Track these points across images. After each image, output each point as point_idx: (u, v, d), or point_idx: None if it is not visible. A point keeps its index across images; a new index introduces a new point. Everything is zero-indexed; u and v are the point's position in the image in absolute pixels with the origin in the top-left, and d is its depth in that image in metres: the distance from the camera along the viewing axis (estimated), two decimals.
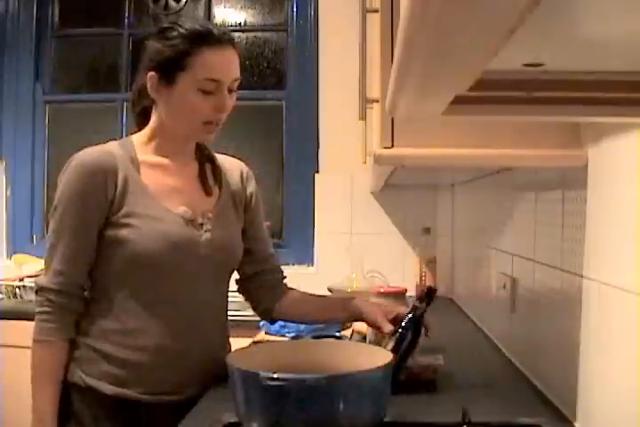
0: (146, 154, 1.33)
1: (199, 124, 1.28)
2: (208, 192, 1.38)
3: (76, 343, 1.30)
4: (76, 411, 1.29)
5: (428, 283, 2.69)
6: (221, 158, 1.46)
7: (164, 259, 1.27)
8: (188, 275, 1.32)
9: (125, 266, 1.27)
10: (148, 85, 1.27)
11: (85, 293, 1.32)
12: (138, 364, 1.28)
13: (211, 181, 1.40)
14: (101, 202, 1.26)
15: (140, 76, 1.31)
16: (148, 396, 1.28)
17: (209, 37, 1.24)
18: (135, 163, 1.30)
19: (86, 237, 1.27)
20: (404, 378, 1.24)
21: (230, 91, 1.29)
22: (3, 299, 2.58)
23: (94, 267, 1.30)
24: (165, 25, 1.29)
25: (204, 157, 1.41)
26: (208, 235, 1.33)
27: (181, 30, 1.24)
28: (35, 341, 1.27)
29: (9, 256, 3.05)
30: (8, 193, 3.12)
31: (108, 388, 1.27)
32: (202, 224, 1.34)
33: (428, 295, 1.27)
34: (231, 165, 1.47)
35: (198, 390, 1.30)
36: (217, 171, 1.42)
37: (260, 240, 1.49)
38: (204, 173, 1.39)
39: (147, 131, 1.35)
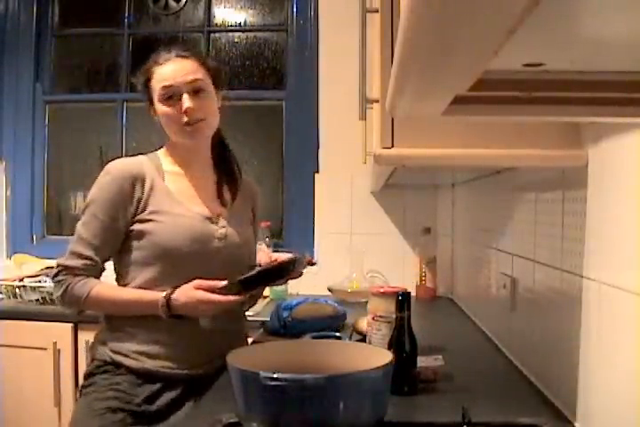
0: (168, 165, 1.55)
1: (180, 127, 1.48)
2: (223, 202, 1.58)
3: (104, 325, 1.50)
4: (95, 381, 1.45)
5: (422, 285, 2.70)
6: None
7: (183, 249, 1.45)
8: (205, 265, 1.47)
9: (150, 254, 1.45)
10: (148, 109, 1.53)
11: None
12: (161, 342, 1.45)
13: (226, 192, 1.59)
14: (128, 202, 1.45)
15: None
16: (167, 369, 1.45)
17: (159, 59, 1.49)
18: (160, 172, 1.52)
19: (112, 231, 1.45)
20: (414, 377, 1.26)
21: (196, 92, 1.47)
22: (3, 299, 2.57)
23: (123, 257, 1.48)
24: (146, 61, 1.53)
25: (222, 170, 1.61)
26: (223, 230, 1.52)
27: (147, 64, 1.50)
28: (87, 297, 1.42)
29: (9, 256, 3.05)
30: (8, 193, 3.12)
31: (132, 362, 1.44)
32: (217, 222, 1.53)
33: (403, 300, 1.32)
34: (246, 182, 1.69)
35: (214, 368, 1.45)
36: (235, 182, 1.62)
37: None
38: (220, 185, 1.60)
39: (166, 146, 1.58)
